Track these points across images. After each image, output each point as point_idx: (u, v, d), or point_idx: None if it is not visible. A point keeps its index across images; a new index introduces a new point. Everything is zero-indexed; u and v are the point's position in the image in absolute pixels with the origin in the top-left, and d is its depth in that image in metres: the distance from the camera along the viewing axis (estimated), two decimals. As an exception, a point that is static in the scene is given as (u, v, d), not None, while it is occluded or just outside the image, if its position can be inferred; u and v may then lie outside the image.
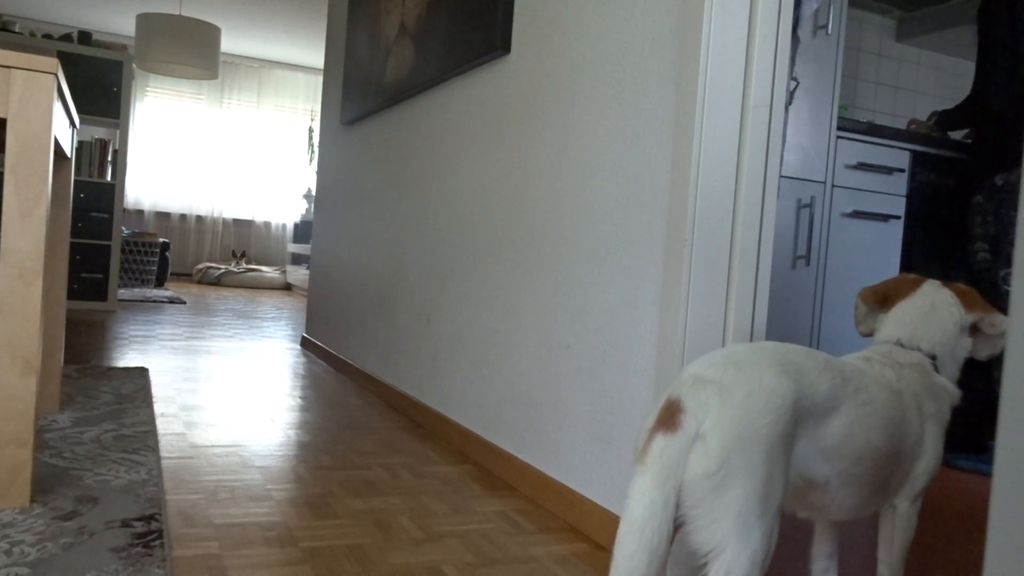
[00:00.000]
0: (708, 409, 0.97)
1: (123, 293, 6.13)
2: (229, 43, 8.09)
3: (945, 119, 2.78)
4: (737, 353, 1.06)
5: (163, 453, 2.06)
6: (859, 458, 1.13)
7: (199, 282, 8.07)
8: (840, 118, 2.59)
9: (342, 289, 3.70)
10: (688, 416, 0.97)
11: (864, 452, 1.13)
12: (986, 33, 2.57)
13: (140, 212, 8.36)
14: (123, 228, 6.53)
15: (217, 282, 7.99)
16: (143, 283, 6.86)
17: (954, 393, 1.31)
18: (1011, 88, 2.53)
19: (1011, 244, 2.47)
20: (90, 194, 5.08)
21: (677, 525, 0.97)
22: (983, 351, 1.36)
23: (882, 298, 1.43)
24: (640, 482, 0.96)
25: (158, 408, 2.54)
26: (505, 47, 2.21)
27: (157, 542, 1.44)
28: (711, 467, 0.95)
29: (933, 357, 1.31)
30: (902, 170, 2.71)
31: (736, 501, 0.95)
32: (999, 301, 2.50)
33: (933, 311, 1.35)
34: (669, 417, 0.98)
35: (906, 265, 2.72)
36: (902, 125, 3.50)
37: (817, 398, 1.07)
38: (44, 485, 1.70)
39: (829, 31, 2.52)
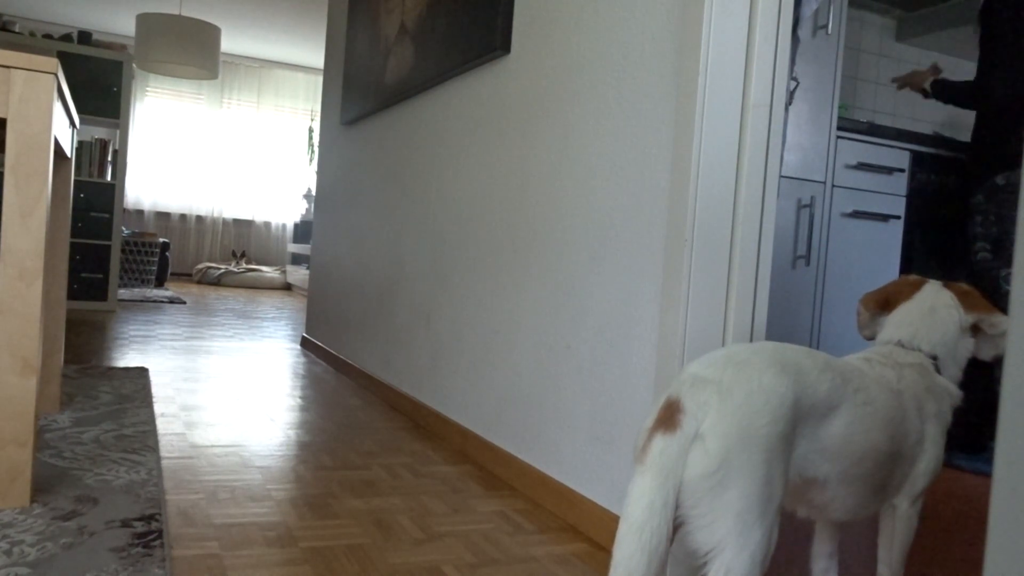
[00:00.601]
0: (707, 409, 0.97)
1: (123, 293, 6.13)
2: (229, 43, 8.09)
3: (941, 88, 2.73)
4: (737, 353, 1.06)
5: (163, 453, 2.06)
6: (859, 458, 1.13)
7: (199, 282, 8.07)
8: (840, 118, 2.59)
9: (342, 289, 3.70)
10: (687, 416, 0.97)
11: (864, 452, 1.13)
12: (988, 31, 2.56)
13: (140, 212, 8.36)
14: (123, 228, 6.53)
15: (217, 282, 7.99)
16: (143, 283, 6.86)
17: (955, 394, 1.31)
18: (1013, 87, 2.53)
19: (1012, 244, 2.47)
20: (90, 194, 5.08)
21: (677, 525, 0.97)
22: (987, 352, 1.36)
23: (883, 302, 1.43)
24: (639, 482, 0.96)
25: (158, 408, 2.54)
26: (505, 47, 2.21)
27: (157, 542, 1.44)
28: (710, 467, 0.95)
29: (934, 358, 1.31)
30: (902, 170, 2.71)
31: (735, 501, 0.95)
32: (1000, 301, 2.50)
33: (933, 312, 1.35)
34: (668, 417, 0.98)
35: (906, 265, 2.72)
36: (902, 125, 3.49)
37: (817, 398, 1.07)
38: (44, 485, 1.70)
39: (829, 31, 2.52)
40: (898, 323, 1.37)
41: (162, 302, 5.87)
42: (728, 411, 0.97)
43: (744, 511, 0.95)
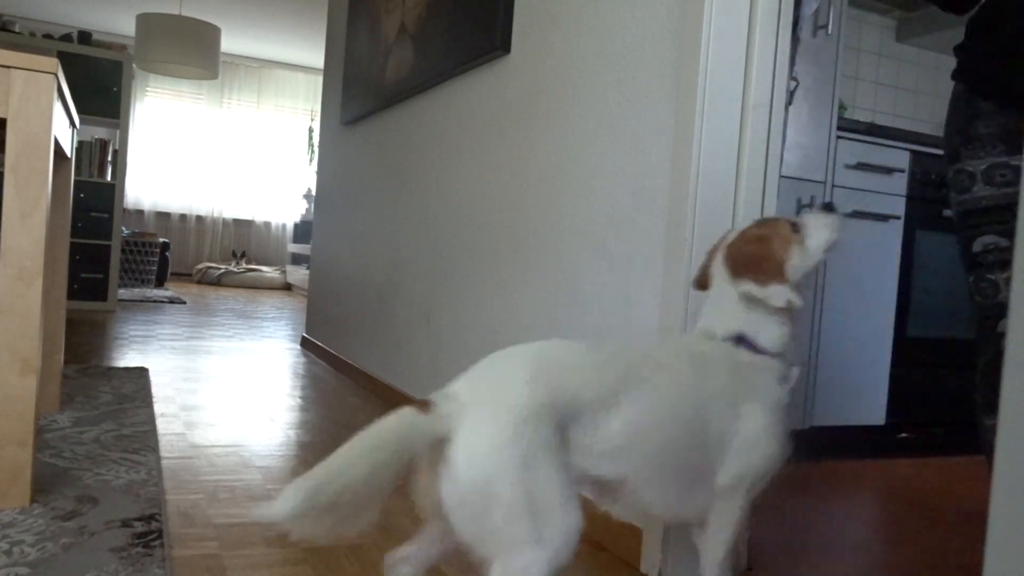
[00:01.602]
0: (457, 430, 0.95)
1: (123, 293, 6.13)
2: (229, 43, 8.09)
3: None
4: (495, 362, 1.04)
5: (163, 453, 2.06)
6: (654, 452, 1.06)
7: (199, 282, 8.07)
8: (840, 118, 2.59)
9: (342, 289, 3.70)
10: (442, 417, 0.97)
11: (658, 446, 1.06)
12: None
13: (140, 212, 8.36)
14: (123, 228, 6.53)
15: (217, 282, 7.99)
16: (143, 283, 6.86)
17: (776, 366, 1.19)
18: None
19: None
20: (90, 194, 5.08)
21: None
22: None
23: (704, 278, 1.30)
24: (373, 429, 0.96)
25: (158, 408, 2.54)
26: (505, 47, 2.21)
27: (157, 542, 1.44)
28: (463, 495, 0.93)
29: (742, 337, 1.19)
30: (902, 170, 2.71)
31: (499, 525, 0.93)
32: None
33: (716, 285, 1.25)
34: (427, 405, 0.99)
35: (906, 265, 2.72)
36: (902, 125, 3.49)
37: (586, 397, 1.02)
38: (44, 485, 1.70)
39: (829, 31, 2.52)
40: (704, 305, 1.27)
41: (162, 302, 5.87)
42: (474, 434, 0.95)
43: (509, 533, 0.93)
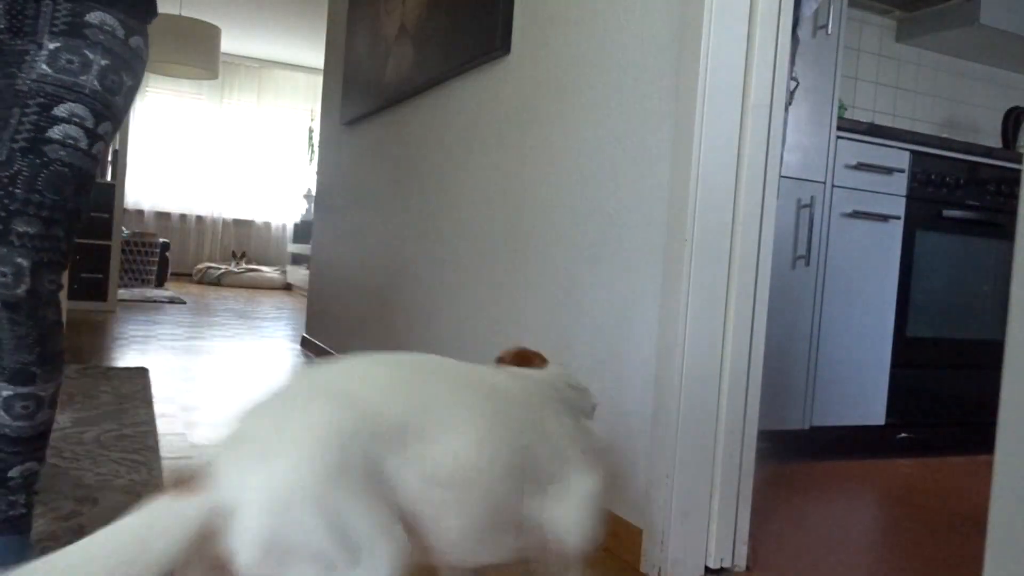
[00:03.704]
0: (241, 477, 0.77)
1: (123, 293, 6.13)
2: (229, 43, 8.09)
3: None
4: (290, 392, 0.88)
5: (163, 453, 2.06)
6: (469, 481, 0.93)
7: (199, 282, 8.07)
8: (840, 118, 2.59)
9: (342, 289, 3.70)
10: (211, 485, 0.77)
11: (475, 474, 0.93)
12: None
13: (140, 212, 8.36)
14: (123, 228, 6.53)
15: (217, 282, 7.99)
16: (143, 283, 6.87)
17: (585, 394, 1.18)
18: None
19: None
20: (90, 194, 5.07)
21: None
22: None
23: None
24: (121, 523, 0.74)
25: (158, 408, 2.54)
26: (505, 47, 2.21)
27: (157, 542, 1.44)
28: (257, 552, 0.75)
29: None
30: (902, 170, 2.71)
31: None
32: None
33: None
34: (188, 482, 0.78)
35: (906, 265, 2.72)
36: (902, 125, 3.50)
37: (400, 422, 0.88)
38: (44, 485, 1.70)
39: (829, 31, 2.52)
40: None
41: (162, 302, 5.87)
42: (261, 481, 0.77)
43: None
